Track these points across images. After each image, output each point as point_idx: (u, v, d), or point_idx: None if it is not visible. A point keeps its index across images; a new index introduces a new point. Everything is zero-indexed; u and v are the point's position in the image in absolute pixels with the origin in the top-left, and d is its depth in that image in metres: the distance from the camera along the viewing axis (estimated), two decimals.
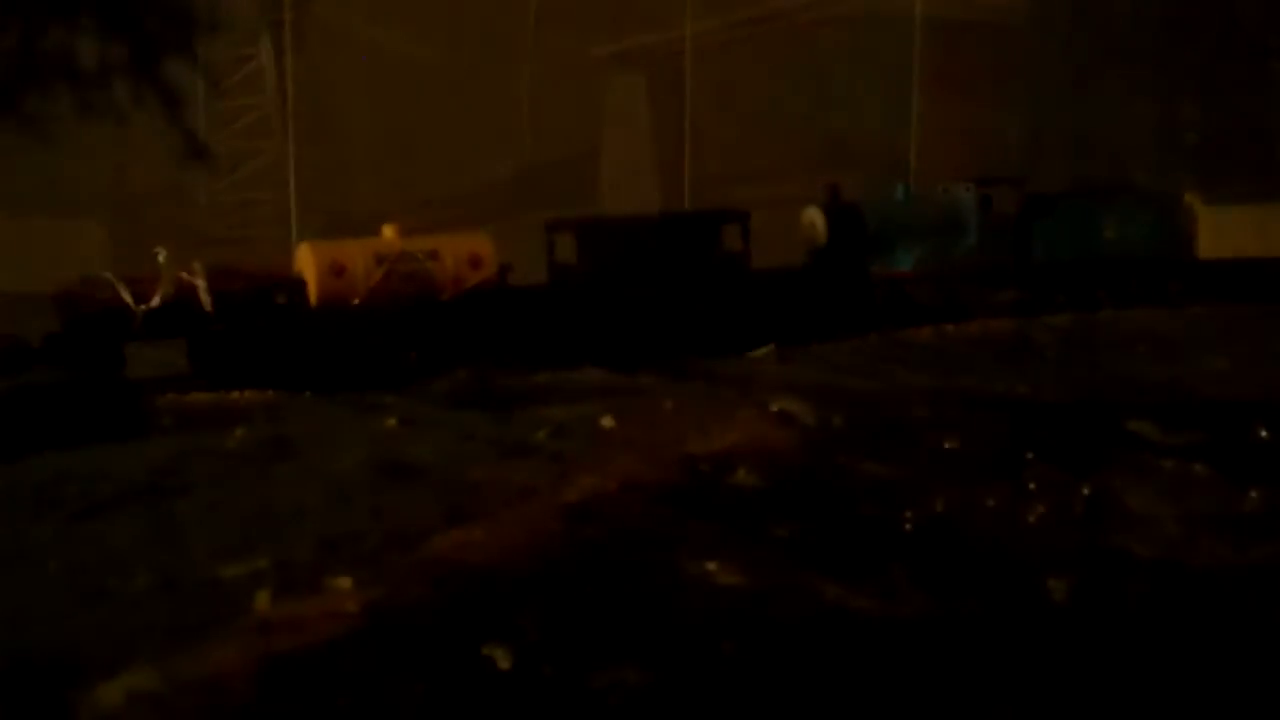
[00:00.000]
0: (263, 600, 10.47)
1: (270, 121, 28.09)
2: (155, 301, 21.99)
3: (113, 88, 19.75)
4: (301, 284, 23.03)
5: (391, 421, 17.82)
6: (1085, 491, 13.77)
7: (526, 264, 24.80)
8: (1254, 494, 13.67)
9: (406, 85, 28.83)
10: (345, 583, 11.04)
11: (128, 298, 21.91)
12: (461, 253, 23.78)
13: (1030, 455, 15.28)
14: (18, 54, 18.70)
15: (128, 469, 15.44)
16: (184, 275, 22.21)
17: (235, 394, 21.61)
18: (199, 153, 20.89)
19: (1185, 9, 36.68)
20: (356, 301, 22.99)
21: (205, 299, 22.22)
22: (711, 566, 11.65)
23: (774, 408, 18.06)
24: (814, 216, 27.23)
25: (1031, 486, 14.09)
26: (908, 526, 12.74)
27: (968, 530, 12.69)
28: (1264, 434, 16.15)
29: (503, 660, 9.86)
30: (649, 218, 26.10)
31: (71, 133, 19.69)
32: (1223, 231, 29.29)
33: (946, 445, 16.20)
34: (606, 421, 16.89)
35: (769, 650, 10.14)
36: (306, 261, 23.18)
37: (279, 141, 27.48)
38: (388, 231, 23.81)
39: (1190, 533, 12.68)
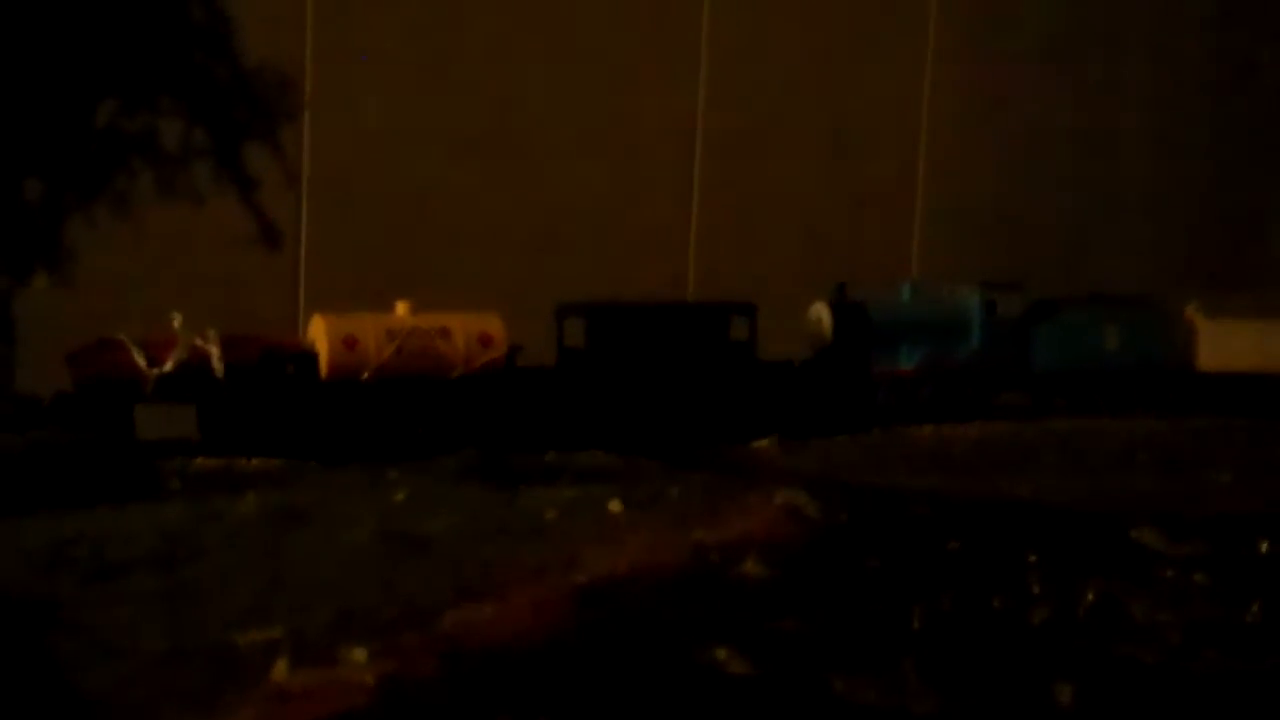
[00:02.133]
0: (281, 670, 10.56)
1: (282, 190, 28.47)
2: (168, 366, 22.19)
3: (190, 168, 20.15)
4: (313, 355, 23.27)
5: (400, 495, 17.95)
6: (1089, 597, 13.92)
7: (536, 346, 25.06)
8: (1255, 606, 13.82)
9: (423, 157, 29.19)
10: (360, 654, 11.14)
11: (141, 361, 22.12)
12: (473, 331, 24.06)
13: (1033, 558, 15.45)
14: (107, 134, 19.12)
15: (139, 531, 15.54)
16: (198, 342, 22.44)
17: (243, 461, 21.74)
18: (272, 236, 21.21)
19: (1192, 124, 37.45)
20: (367, 375, 23.22)
21: (218, 366, 22.44)
22: (721, 654, 11.76)
23: (779, 500, 18.22)
24: (820, 312, 27.59)
25: (1035, 590, 14.24)
26: (916, 623, 12.86)
27: (974, 629, 12.81)
28: (1265, 547, 16.32)
29: None
30: (660, 305, 26.40)
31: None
32: (1223, 345, 29.66)
33: (950, 545, 16.36)
34: (614, 505, 17.04)
35: None
36: (319, 333, 23.42)
37: (290, 211, 27.89)
38: (400, 307, 24.11)
39: (1193, 642, 12.82)
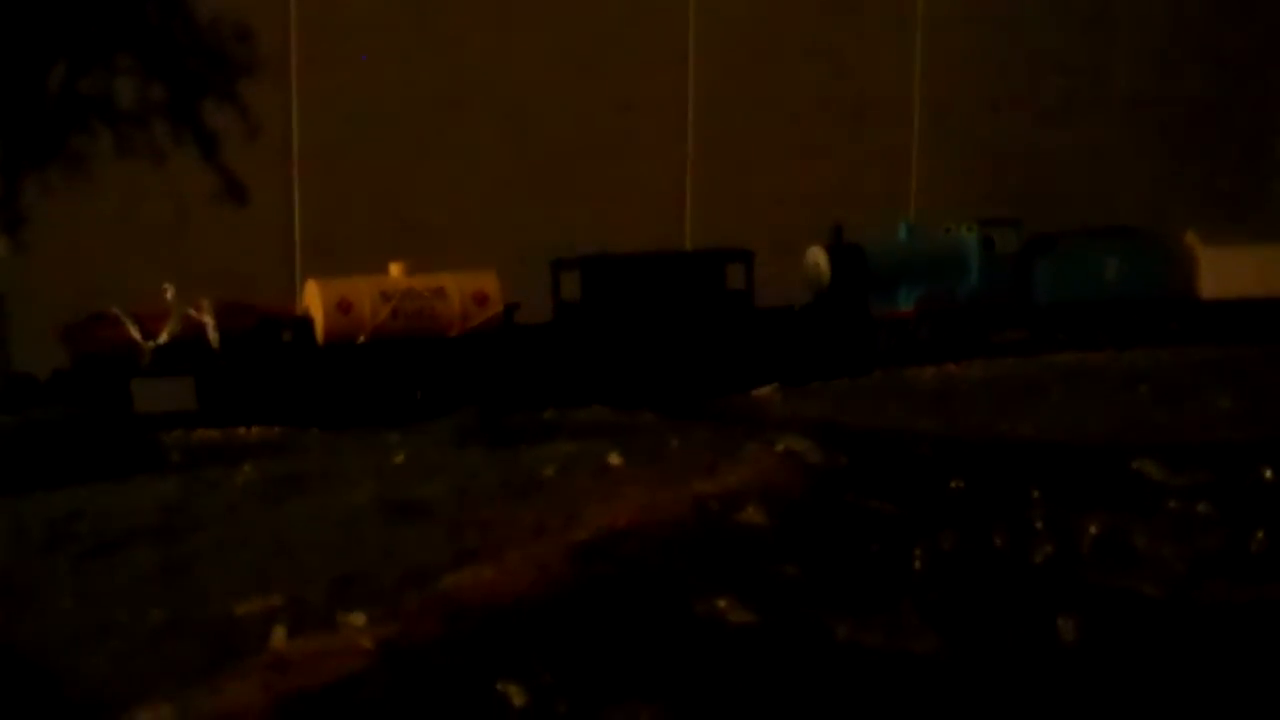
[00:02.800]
0: (279, 637, 10.54)
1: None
2: (163, 338, 22.10)
3: (152, 128, 20.11)
4: (308, 321, 23.16)
5: (399, 458, 17.90)
6: (1092, 531, 13.87)
7: (534, 301, 24.93)
8: (1259, 534, 13.77)
9: (413, 120, 28.98)
10: (359, 619, 11.11)
11: (136, 334, 22.03)
12: (468, 290, 23.90)
13: (1036, 494, 15.40)
14: (61, 95, 19.00)
15: (138, 505, 15.50)
16: (192, 312, 22.33)
17: (242, 430, 21.71)
18: (237, 192, 21.16)
19: (1186, 51, 37.06)
20: (363, 339, 23.11)
21: (213, 336, 22.34)
22: (722, 604, 11.73)
23: (780, 446, 18.15)
24: (817, 256, 27.42)
25: (1038, 525, 14.20)
26: (917, 564, 12.82)
27: (976, 568, 12.77)
28: (1268, 474, 16.25)
29: (517, 697, 9.93)
30: (654, 256, 26.24)
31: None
32: (1223, 272, 29.49)
33: (952, 484, 16.31)
34: (614, 459, 16.98)
35: (781, 686, 10.22)
36: (313, 299, 23.30)
37: (282, 176, 27.70)
38: (394, 269, 23.95)
39: (1197, 572, 12.78)
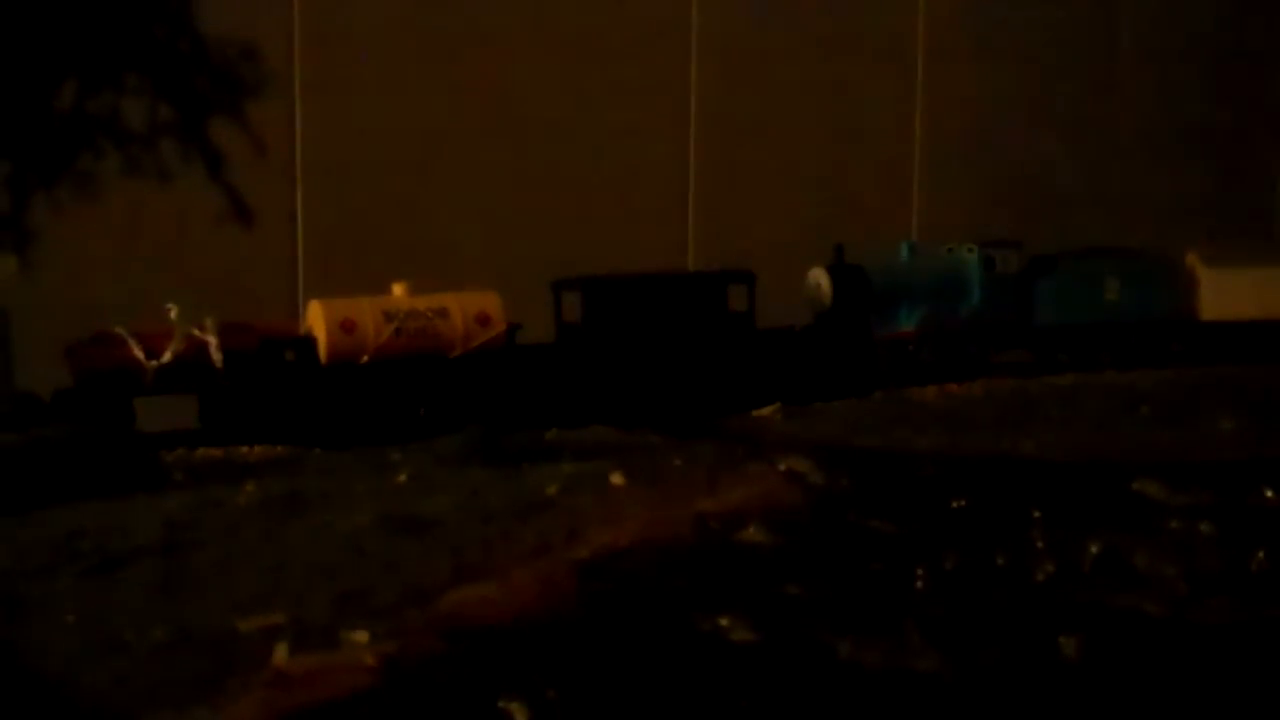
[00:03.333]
0: (281, 653, 10.56)
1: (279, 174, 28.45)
2: (167, 357, 22.16)
3: (158, 147, 20.21)
4: (311, 341, 23.23)
5: (402, 477, 17.94)
6: (1093, 550, 13.88)
7: (534, 322, 25.00)
8: (1260, 553, 13.78)
9: (416, 140, 29.10)
10: (362, 636, 11.13)
11: (139, 354, 22.09)
12: (470, 311, 23.99)
13: (1037, 514, 15.41)
14: (70, 114, 19.12)
15: (141, 523, 15.54)
16: (195, 331, 22.40)
17: (245, 448, 21.76)
18: (241, 211, 21.25)
19: (1188, 73, 37.23)
20: (365, 358, 23.17)
21: (216, 355, 22.40)
22: (724, 622, 11.74)
23: (782, 466, 18.19)
24: (819, 277, 27.50)
25: (1040, 545, 14.21)
26: (919, 584, 12.84)
27: (978, 587, 12.78)
28: (1269, 494, 16.27)
29: (519, 715, 9.94)
30: (656, 277, 26.34)
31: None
32: (1224, 294, 29.59)
33: (954, 504, 16.34)
34: (616, 478, 17.00)
35: (782, 706, 10.23)
36: (317, 318, 23.36)
37: (286, 196, 27.77)
38: (397, 289, 24.04)
39: (1198, 591, 12.78)
